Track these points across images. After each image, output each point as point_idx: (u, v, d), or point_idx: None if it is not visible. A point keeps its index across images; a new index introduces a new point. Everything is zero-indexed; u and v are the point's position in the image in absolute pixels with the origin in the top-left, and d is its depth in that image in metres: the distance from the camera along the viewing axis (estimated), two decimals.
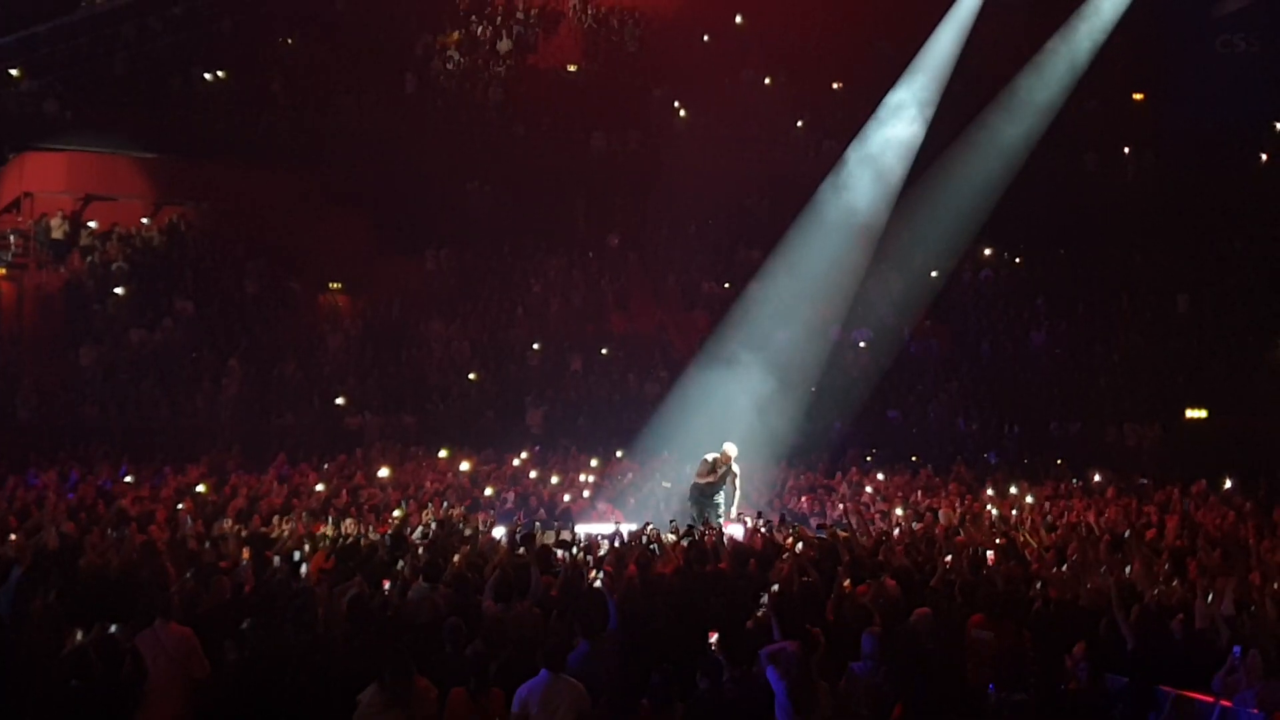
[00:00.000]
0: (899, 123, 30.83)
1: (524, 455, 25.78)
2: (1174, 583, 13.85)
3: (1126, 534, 17.38)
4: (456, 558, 14.28)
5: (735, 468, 20.73)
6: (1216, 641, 11.62)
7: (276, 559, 14.08)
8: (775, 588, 12.75)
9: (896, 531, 17.98)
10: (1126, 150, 36.01)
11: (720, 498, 20.55)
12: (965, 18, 31.00)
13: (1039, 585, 13.75)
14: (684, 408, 27.04)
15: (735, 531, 18.22)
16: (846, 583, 13.16)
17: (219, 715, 9.87)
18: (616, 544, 16.02)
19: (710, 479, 20.57)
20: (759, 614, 11.52)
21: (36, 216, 30.29)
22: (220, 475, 21.74)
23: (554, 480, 23.73)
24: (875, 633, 10.90)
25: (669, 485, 23.24)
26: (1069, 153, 33.82)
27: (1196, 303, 31.42)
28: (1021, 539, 16.99)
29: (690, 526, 17.34)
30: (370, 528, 17.01)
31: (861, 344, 31.25)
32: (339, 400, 28.07)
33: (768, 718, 9.80)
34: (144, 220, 31.48)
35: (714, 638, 10.39)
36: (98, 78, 31.35)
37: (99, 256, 29.85)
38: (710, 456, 20.87)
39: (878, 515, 20.65)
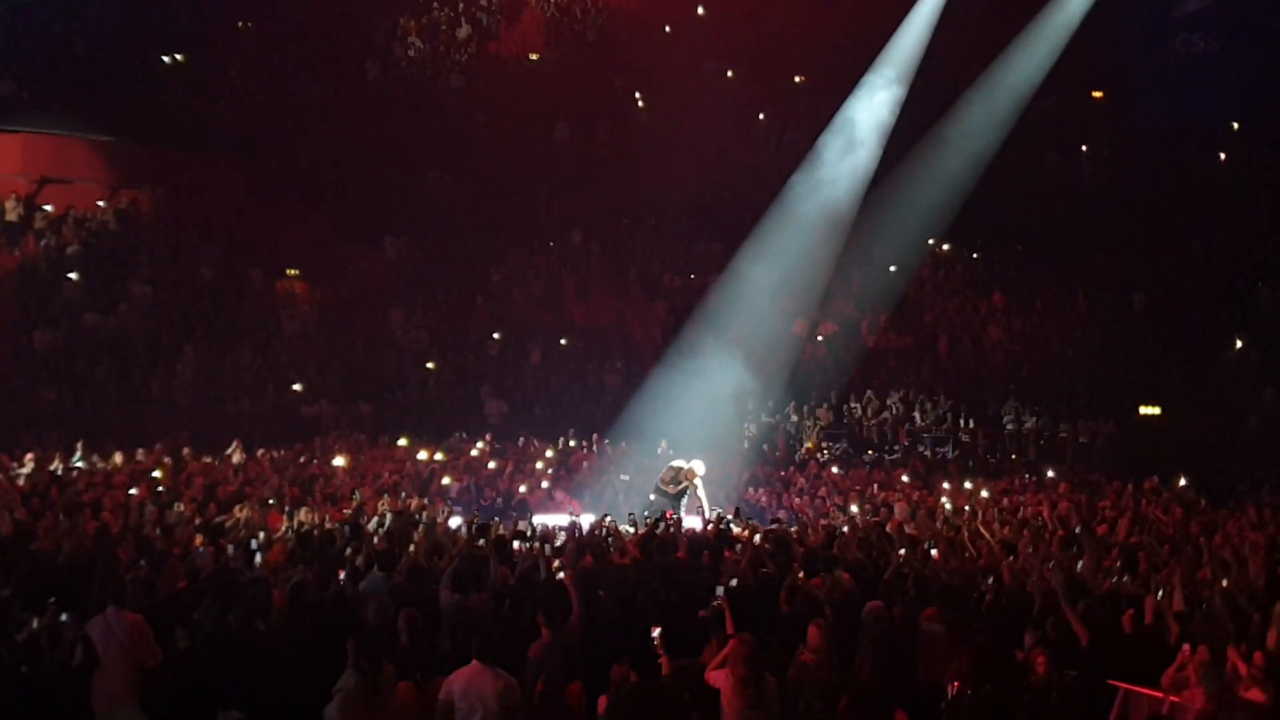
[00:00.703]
0: (863, 119, 31.00)
1: (480, 445, 25.72)
2: (1124, 578, 13.95)
3: (1078, 529, 17.51)
4: (413, 547, 14.26)
5: (699, 484, 20.82)
6: (1166, 637, 11.74)
7: (230, 547, 13.98)
8: (734, 581, 12.78)
9: (848, 527, 18.03)
10: (1085, 148, 36.22)
11: (682, 503, 20.66)
12: (928, 15, 31.19)
13: (990, 580, 13.85)
14: (644, 400, 27.10)
15: (693, 524, 18.28)
16: (801, 574, 13.22)
17: (167, 701, 9.80)
18: (575, 535, 16.04)
19: (672, 489, 20.68)
20: (714, 604, 11.54)
21: None
22: (175, 461, 21.58)
23: (510, 471, 23.68)
24: (822, 625, 10.96)
25: (627, 479, 23.26)
26: (1028, 151, 34.00)
27: (1152, 301, 31.64)
28: (972, 533, 17.08)
29: (655, 519, 17.40)
30: (326, 517, 16.92)
31: (820, 338, 31.33)
32: (296, 387, 27.92)
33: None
34: (100, 204, 31.15)
35: (656, 632, 10.34)
36: (54, 59, 31.03)
37: (54, 240, 29.53)
38: (678, 464, 20.97)
39: (834, 508, 20.74)
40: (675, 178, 33.50)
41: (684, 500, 20.71)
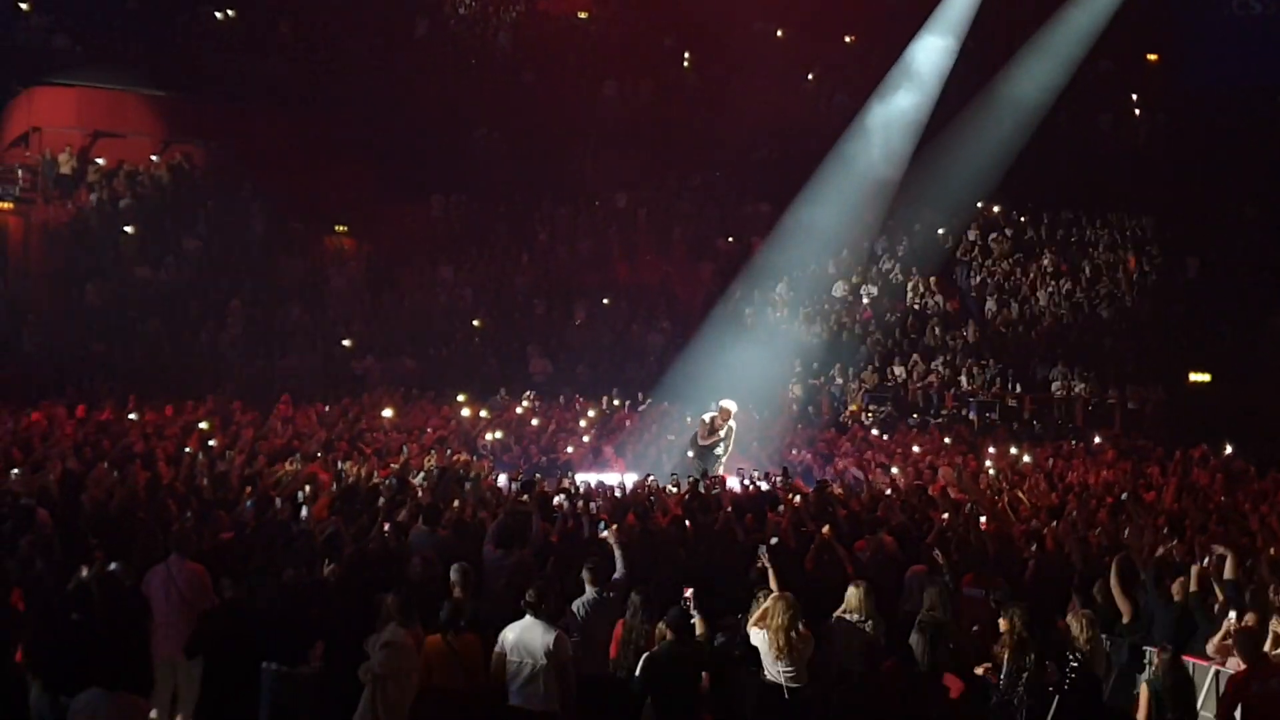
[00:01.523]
0: (919, 68, 30.74)
1: (525, 403, 25.78)
2: (1170, 545, 13.88)
3: (1124, 496, 17.43)
4: (457, 503, 14.36)
5: (733, 424, 20.80)
6: (1212, 605, 11.70)
7: (279, 500, 14.11)
8: (774, 540, 12.83)
9: (891, 490, 17.99)
10: (1138, 112, 35.80)
11: (720, 451, 20.64)
12: None
13: (1033, 546, 13.83)
14: (689, 359, 27.12)
15: (732, 485, 18.30)
16: (826, 529, 13.29)
17: (210, 650, 9.93)
18: (617, 494, 16.13)
19: (711, 440, 20.66)
20: (757, 565, 11.60)
21: (44, 151, 30.19)
22: (224, 415, 21.77)
23: (553, 429, 23.77)
24: (863, 585, 11.03)
25: (673, 439, 23.29)
26: (1081, 112, 33.63)
27: (1205, 266, 31.30)
28: (1012, 499, 17.03)
29: (695, 479, 17.42)
30: (373, 472, 17.05)
31: (865, 299, 31.20)
32: (345, 343, 28.11)
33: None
34: (152, 158, 31.35)
35: (688, 593, 10.42)
36: (108, 13, 31.16)
37: (106, 193, 29.77)
38: (708, 416, 20.95)
39: (879, 471, 20.70)
40: (723, 138, 33.42)
41: (723, 450, 20.67)
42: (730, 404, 21.00)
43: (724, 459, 20.55)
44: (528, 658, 9.41)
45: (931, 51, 30.82)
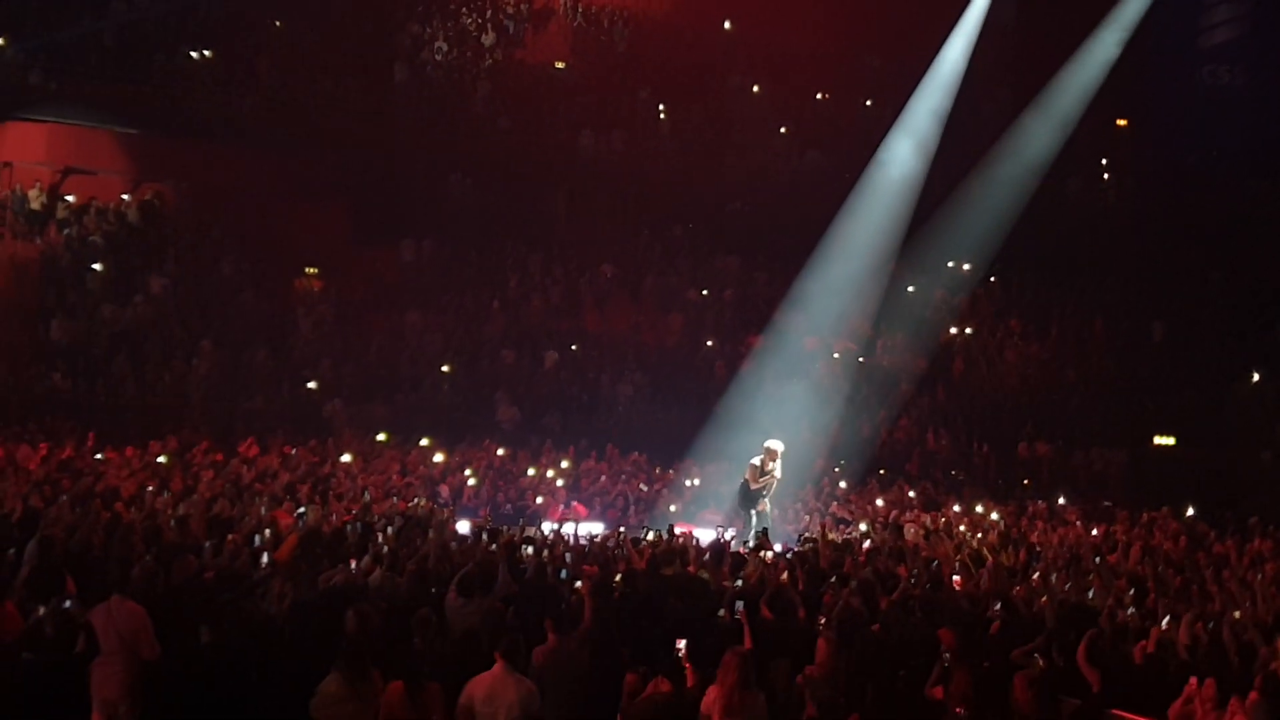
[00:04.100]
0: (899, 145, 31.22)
1: (499, 451, 25.69)
2: (1130, 610, 13.90)
3: (1096, 559, 17.49)
4: (424, 549, 14.28)
5: (777, 465, 20.80)
6: (1173, 669, 11.69)
7: (234, 544, 13.97)
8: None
9: (857, 544, 18.00)
10: (1107, 176, 36.17)
11: (767, 501, 20.65)
12: (961, 43, 31.46)
13: (998, 605, 13.82)
14: (658, 410, 27.19)
15: (701, 536, 18.29)
16: (784, 576, 13.32)
17: (191, 696, 9.83)
18: (584, 545, 16.10)
19: (761, 483, 20.66)
20: (735, 615, 11.56)
21: (14, 186, 30.07)
22: (188, 455, 21.62)
23: (530, 472, 23.76)
24: (830, 639, 10.98)
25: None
26: (1050, 176, 33.98)
27: (1170, 331, 31.55)
28: (973, 556, 17.07)
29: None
30: (334, 515, 16.94)
31: (835, 355, 31.26)
32: (310, 385, 27.97)
33: None
34: (123, 196, 31.27)
35: (681, 644, 10.37)
36: (84, 50, 31.13)
37: (75, 230, 29.65)
38: (756, 460, 20.89)
39: (844, 526, 20.72)
40: (696, 190, 33.61)
41: (767, 492, 20.75)
42: (776, 444, 21.04)
43: (768, 499, 20.66)
44: (501, 709, 9.29)
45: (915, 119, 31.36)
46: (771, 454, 20.81)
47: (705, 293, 33.44)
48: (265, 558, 13.67)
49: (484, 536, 15.77)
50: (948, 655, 11.10)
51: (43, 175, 30.40)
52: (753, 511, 20.58)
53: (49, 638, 10.41)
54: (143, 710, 10.25)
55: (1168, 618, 12.74)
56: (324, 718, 9.16)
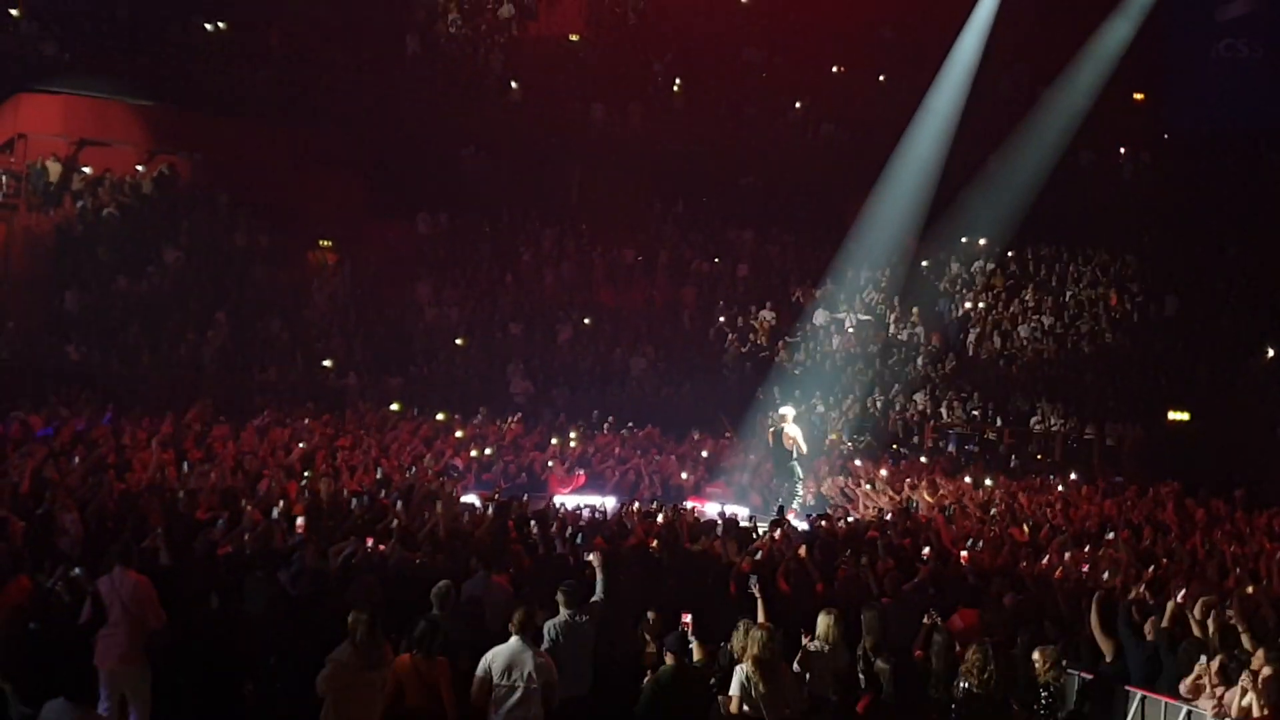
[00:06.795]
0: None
1: (510, 423, 25.68)
2: (1142, 586, 13.88)
3: (1111, 534, 17.48)
4: (435, 523, 14.30)
5: (788, 428, 21.23)
6: (1184, 643, 11.68)
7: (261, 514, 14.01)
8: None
9: (873, 518, 18.02)
10: (1123, 150, 36.01)
11: (797, 465, 21.04)
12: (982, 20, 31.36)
13: (1008, 579, 13.85)
14: (671, 383, 27.19)
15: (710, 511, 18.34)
16: (802, 549, 13.37)
17: (174, 665, 9.92)
18: (596, 517, 16.12)
19: (792, 445, 21.19)
20: (750, 589, 11.62)
21: (30, 158, 30.06)
22: (204, 427, 21.63)
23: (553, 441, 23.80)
24: (834, 614, 11.04)
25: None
26: (1066, 150, 33.81)
27: (1185, 305, 31.45)
28: (1002, 530, 17.10)
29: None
30: (345, 489, 16.95)
31: (850, 328, 31.22)
32: (326, 363, 27.97)
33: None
34: (137, 168, 31.26)
35: (687, 618, 10.46)
36: (98, 22, 31.10)
37: (90, 202, 29.67)
38: (771, 430, 21.42)
39: (861, 500, 20.74)
40: (710, 163, 33.52)
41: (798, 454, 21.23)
42: (787, 409, 21.90)
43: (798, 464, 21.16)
44: (520, 681, 9.46)
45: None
46: (783, 419, 21.20)
47: (717, 260, 33.44)
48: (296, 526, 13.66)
49: (494, 509, 15.74)
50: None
51: (58, 147, 30.39)
52: (795, 479, 21.09)
53: (61, 606, 10.52)
54: (150, 678, 10.36)
55: (1181, 592, 12.70)
56: (335, 687, 9.26)
